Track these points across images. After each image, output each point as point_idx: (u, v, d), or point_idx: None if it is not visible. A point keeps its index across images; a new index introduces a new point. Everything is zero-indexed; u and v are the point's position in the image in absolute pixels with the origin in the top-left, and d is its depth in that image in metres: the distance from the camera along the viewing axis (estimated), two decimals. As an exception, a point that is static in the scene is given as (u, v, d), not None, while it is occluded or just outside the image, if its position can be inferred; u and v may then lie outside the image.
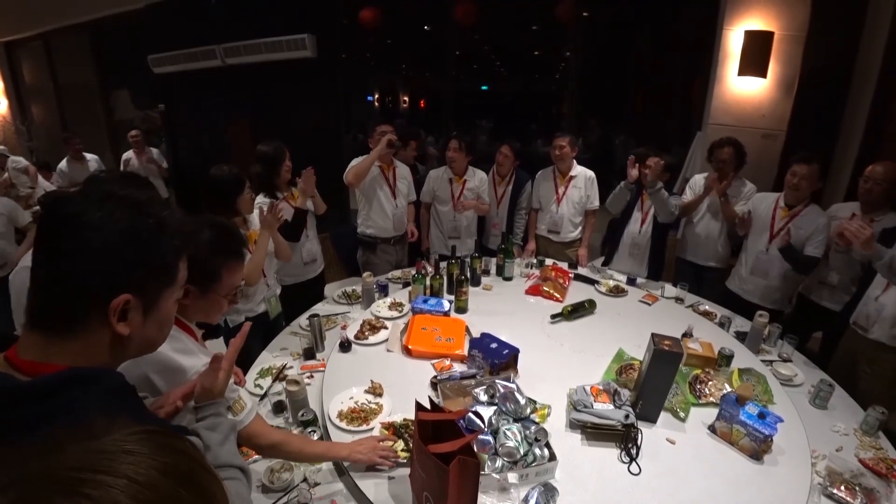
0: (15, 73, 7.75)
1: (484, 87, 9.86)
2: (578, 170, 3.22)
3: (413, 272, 2.52)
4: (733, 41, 3.46)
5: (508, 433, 1.30)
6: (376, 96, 11.40)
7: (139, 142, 5.08)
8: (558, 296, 2.46)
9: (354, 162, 2.88)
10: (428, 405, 1.24)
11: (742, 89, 3.50)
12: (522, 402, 1.41)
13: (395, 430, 1.46)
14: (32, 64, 7.61)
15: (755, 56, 3.36)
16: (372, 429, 1.48)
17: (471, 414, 1.29)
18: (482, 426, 1.29)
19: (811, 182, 2.44)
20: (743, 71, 3.42)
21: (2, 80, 7.67)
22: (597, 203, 3.26)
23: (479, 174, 3.24)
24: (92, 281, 0.61)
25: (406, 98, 12.54)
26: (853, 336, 2.13)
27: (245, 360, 2.17)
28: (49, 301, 0.62)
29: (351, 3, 4.99)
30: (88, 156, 5.03)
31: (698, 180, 3.01)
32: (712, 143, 2.91)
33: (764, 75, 3.39)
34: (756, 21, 3.37)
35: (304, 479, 1.35)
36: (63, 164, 4.88)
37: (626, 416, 1.44)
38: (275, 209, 2.18)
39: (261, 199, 2.40)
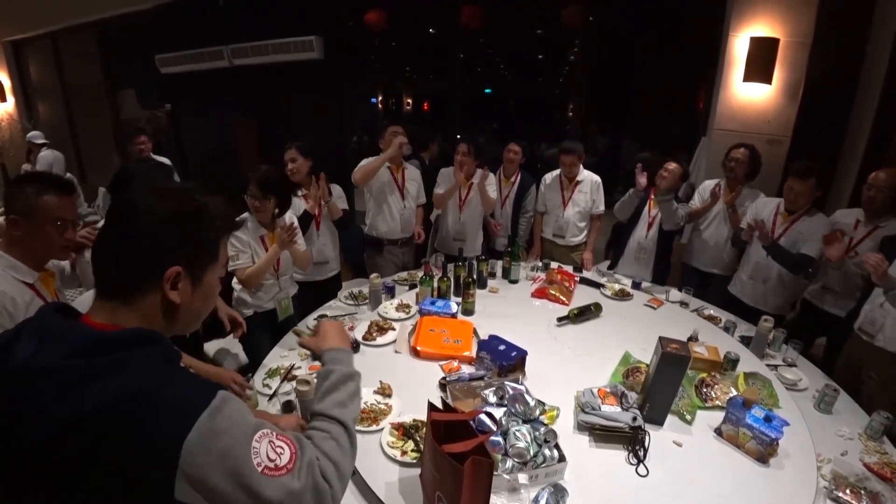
0: (22, 71, 7.78)
1: (487, 91, 9.90)
2: (585, 174, 3.24)
3: (420, 274, 2.54)
4: (739, 47, 3.47)
5: (518, 434, 1.32)
6: (380, 98, 11.46)
7: (145, 150, 4.05)
8: (564, 299, 2.47)
9: (364, 162, 2.90)
10: (439, 406, 1.26)
11: (747, 95, 3.52)
12: (532, 403, 1.42)
13: (404, 430, 1.48)
14: (40, 62, 7.64)
15: (761, 62, 3.37)
16: (382, 429, 1.49)
17: (482, 415, 1.31)
18: (493, 427, 1.31)
19: (808, 196, 2.46)
20: (748, 77, 3.43)
21: (9, 79, 7.70)
22: (602, 208, 3.29)
23: (489, 176, 3.25)
24: (148, 256, 0.73)
25: (410, 100, 12.60)
26: (858, 342, 2.14)
27: (254, 356, 2.21)
28: (113, 274, 0.74)
29: (357, 5, 5.02)
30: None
31: (708, 186, 3.03)
32: (730, 147, 2.94)
33: (769, 81, 3.40)
34: (762, 27, 3.39)
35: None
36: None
37: (634, 419, 1.45)
38: (291, 229, 2.26)
39: (289, 215, 2.44)
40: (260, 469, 0.67)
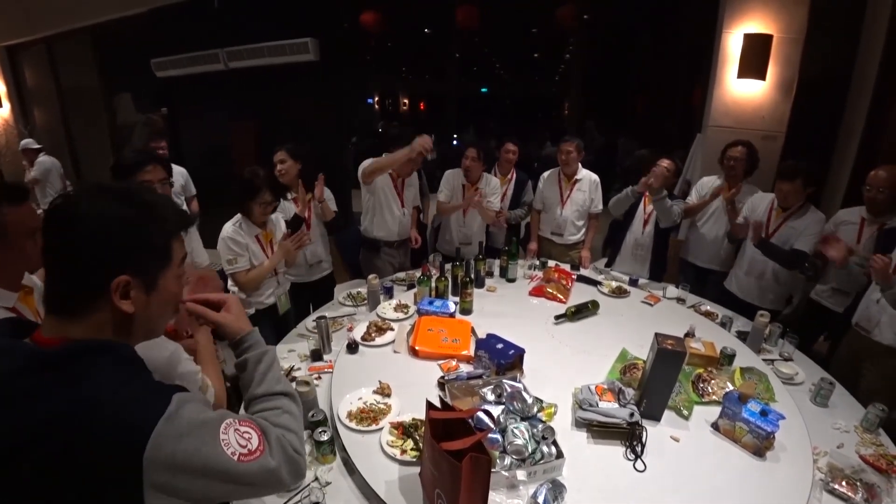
0: (17, 76, 7.77)
1: (483, 90, 9.91)
2: (583, 173, 3.25)
3: (418, 274, 2.55)
4: (732, 44, 3.49)
5: (516, 431, 1.33)
6: (376, 99, 11.47)
7: (163, 155, 3.62)
8: (561, 297, 2.48)
9: (378, 161, 2.80)
10: (438, 405, 1.27)
11: (741, 91, 3.54)
12: (529, 401, 1.43)
13: (404, 429, 1.49)
14: (35, 67, 7.63)
15: (754, 59, 3.39)
16: (381, 428, 1.50)
17: (480, 413, 1.32)
18: (491, 425, 1.32)
19: (798, 195, 2.47)
20: (742, 73, 3.45)
21: (4, 84, 7.69)
22: (600, 207, 3.29)
23: (493, 181, 3.24)
24: (90, 267, 0.68)
25: (406, 101, 12.61)
26: (856, 336, 2.15)
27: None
28: (57, 288, 0.69)
29: (353, 7, 5.03)
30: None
31: (706, 183, 3.04)
32: (727, 145, 2.95)
33: (763, 77, 3.42)
34: (755, 24, 3.41)
35: (316, 479, 1.38)
36: None
37: (631, 415, 1.46)
38: (301, 240, 2.31)
39: (277, 216, 2.46)
40: (236, 458, 0.69)
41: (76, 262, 0.67)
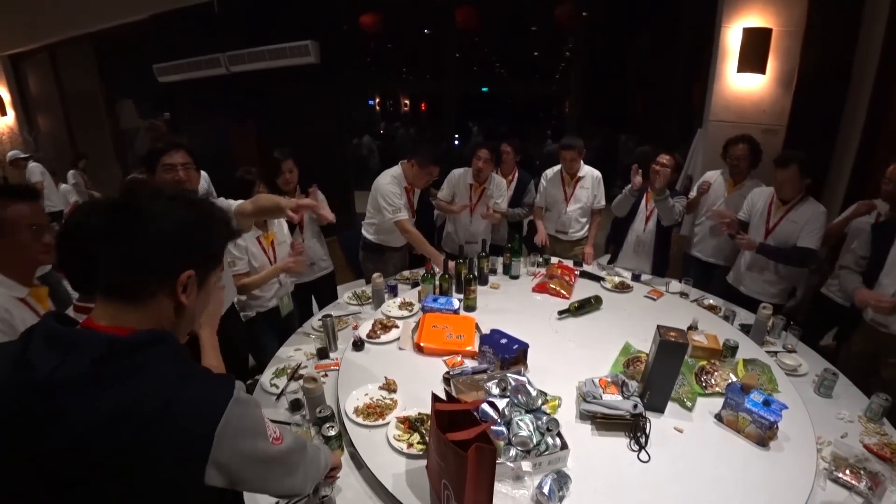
0: (21, 84, 7.84)
1: (484, 90, 9.92)
2: (586, 170, 3.26)
3: (422, 272, 2.57)
4: (732, 38, 3.49)
5: (521, 423, 1.34)
6: (377, 100, 11.51)
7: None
8: (565, 293, 2.50)
9: (423, 242, 2.77)
10: (444, 398, 1.29)
11: (742, 86, 3.54)
12: (534, 394, 1.45)
13: (410, 423, 1.51)
14: (38, 75, 7.71)
15: (754, 52, 3.39)
16: (388, 423, 1.52)
17: (485, 405, 1.33)
18: (495, 417, 1.34)
19: (794, 183, 2.45)
20: (742, 67, 3.45)
21: (8, 92, 7.76)
22: (603, 202, 3.30)
23: (498, 180, 3.24)
24: (163, 260, 0.75)
25: (407, 101, 12.65)
26: (872, 332, 2.13)
27: (261, 355, 2.25)
28: (124, 276, 0.74)
29: (352, 9, 5.06)
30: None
31: (708, 178, 3.04)
32: (727, 141, 2.94)
33: (763, 71, 3.42)
34: (754, 18, 3.41)
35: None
36: None
37: (635, 407, 1.48)
38: (299, 260, 2.26)
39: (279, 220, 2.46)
40: (271, 440, 0.81)
41: (154, 252, 0.74)
